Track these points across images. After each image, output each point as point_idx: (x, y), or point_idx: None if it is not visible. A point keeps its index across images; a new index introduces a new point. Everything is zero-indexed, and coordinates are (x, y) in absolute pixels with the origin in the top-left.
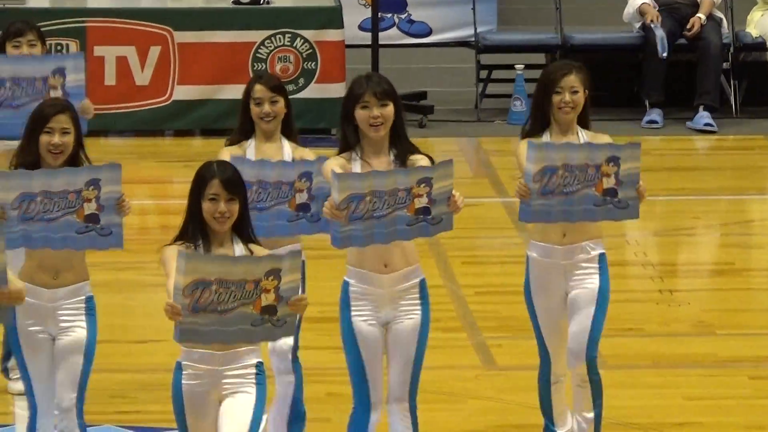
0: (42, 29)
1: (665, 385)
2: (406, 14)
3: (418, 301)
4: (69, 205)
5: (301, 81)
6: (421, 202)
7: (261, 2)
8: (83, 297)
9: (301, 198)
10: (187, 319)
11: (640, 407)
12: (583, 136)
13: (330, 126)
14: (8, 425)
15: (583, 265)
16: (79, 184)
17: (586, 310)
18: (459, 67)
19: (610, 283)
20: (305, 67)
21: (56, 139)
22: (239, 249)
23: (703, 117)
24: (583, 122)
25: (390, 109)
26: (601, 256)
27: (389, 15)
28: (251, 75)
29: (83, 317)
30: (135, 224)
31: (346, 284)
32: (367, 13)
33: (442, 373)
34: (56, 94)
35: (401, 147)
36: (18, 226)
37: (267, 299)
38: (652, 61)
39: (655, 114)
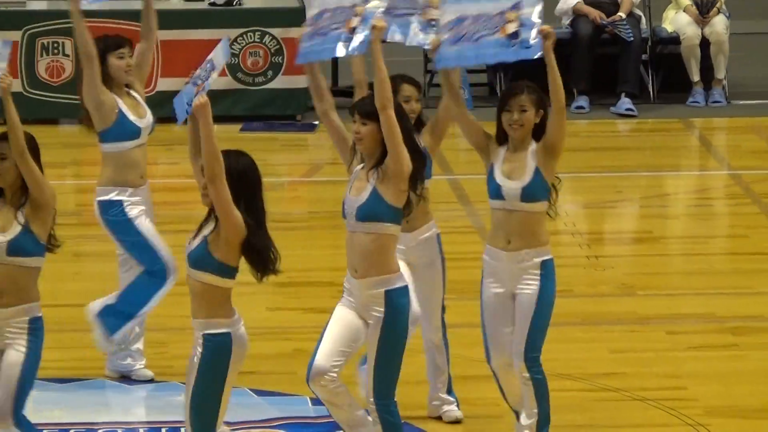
0: (39, 29)
1: (592, 340)
2: None
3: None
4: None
5: (270, 73)
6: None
7: (234, 4)
8: (27, 318)
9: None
10: None
11: (570, 360)
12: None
13: (295, 113)
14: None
15: (529, 271)
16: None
17: (526, 314)
18: (408, 59)
19: (554, 288)
20: (273, 60)
21: None
22: None
23: (625, 103)
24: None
25: (369, 128)
26: (544, 263)
27: None
28: (225, 68)
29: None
30: None
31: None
32: None
33: None
34: None
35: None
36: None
37: None
38: (580, 53)
39: (583, 101)
